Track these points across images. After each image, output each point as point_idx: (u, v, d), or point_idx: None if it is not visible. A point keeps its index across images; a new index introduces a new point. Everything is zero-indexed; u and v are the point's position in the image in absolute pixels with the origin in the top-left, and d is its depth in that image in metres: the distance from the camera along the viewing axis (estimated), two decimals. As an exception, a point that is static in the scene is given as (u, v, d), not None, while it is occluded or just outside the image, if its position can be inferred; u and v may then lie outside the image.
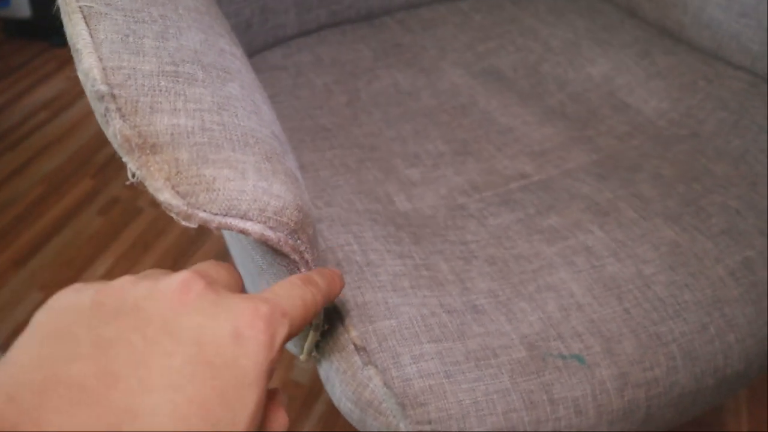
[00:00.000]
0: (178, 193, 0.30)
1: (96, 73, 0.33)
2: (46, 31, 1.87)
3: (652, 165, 0.67)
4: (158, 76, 0.34)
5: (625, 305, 0.52)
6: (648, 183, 0.64)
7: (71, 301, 0.25)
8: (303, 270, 0.36)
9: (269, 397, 0.28)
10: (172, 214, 0.30)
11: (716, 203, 0.61)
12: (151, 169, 0.30)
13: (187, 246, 1.20)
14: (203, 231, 1.21)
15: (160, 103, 0.32)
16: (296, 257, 0.35)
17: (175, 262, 1.17)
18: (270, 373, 0.26)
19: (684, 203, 0.61)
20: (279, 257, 0.36)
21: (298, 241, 0.34)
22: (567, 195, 0.62)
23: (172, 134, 0.31)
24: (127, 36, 0.36)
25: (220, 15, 0.48)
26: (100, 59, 0.34)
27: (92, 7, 0.37)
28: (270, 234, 0.32)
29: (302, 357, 0.49)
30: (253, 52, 0.81)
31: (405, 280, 0.51)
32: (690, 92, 0.75)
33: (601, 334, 0.51)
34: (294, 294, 0.30)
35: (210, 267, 0.29)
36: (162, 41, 0.37)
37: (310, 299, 0.31)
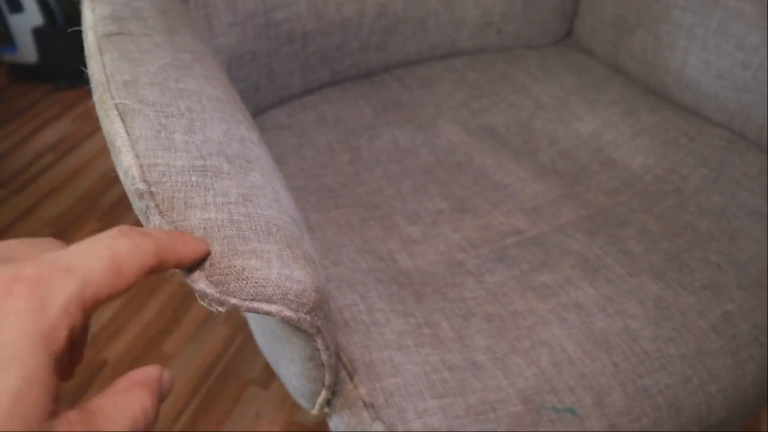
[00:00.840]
0: (211, 282, 0.34)
1: (135, 171, 0.37)
2: (52, 74, 1.92)
3: (638, 221, 0.71)
4: (189, 171, 0.38)
5: (613, 359, 0.56)
6: (635, 239, 0.68)
7: None
8: (319, 340, 0.40)
9: (128, 380, 0.27)
10: (205, 302, 0.34)
11: (698, 258, 0.66)
12: (188, 262, 0.34)
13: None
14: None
15: (193, 198, 0.37)
16: (313, 331, 0.39)
17: (179, 306, 1.20)
18: (55, 341, 0.23)
19: (668, 258, 0.65)
20: (296, 330, 0.39)
21: (315, 318, 0.38)
22: (558, 251, 0.67)
23: (204, 228, 0.35)
24: (159, 132, 0.40)
25: (237, 99, 0.52)
26: (137, 157, 0.38)
27: (126, 104, 0.42)
28: (291, 314, 0.36)
29: (314, 412, 0.52)
30: (260, 111, 0.85)
31: (409, 339, 0.55)
32: (673, 149, 0.79)
33: (591, 387, 0.54)
34: (95, 247, 0.26)
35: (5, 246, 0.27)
36: (190, 135, 0.41)
37: (124, 249, 0.27)
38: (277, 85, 0.84)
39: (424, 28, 0.91)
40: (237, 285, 0.34)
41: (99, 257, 0.26)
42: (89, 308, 0.25)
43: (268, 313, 0.35)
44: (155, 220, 0.35)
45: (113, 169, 0.40)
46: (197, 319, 1.18)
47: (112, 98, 0.42)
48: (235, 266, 0.34)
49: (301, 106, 0.87)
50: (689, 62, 0.82)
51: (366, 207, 0.71)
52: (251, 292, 0.34)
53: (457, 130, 0.83)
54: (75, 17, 1.87)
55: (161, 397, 0.28)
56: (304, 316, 0.37)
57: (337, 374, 0.52)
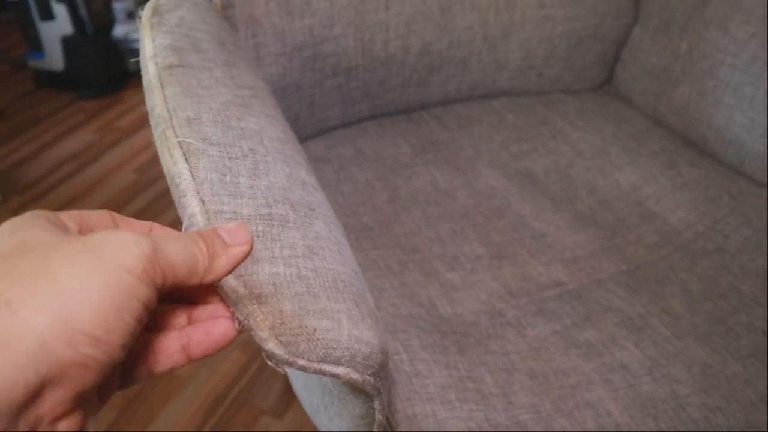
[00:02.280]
0: (281, 342, 0.32)
1: (200, 218, 0.36)
2: (77, 83, 1.93)
3: (680, 279, 0.70)
4: (255, 220, 0.37)
5: (660, 426, 0.54)
6: (677, 298, 0.67)
7: None
8: (377, 401, 0.39)
9: None
10: (272, 362, 0.32)
11: (743, 323, 0.64)
12: (257, 319, 0.32)
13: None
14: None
15: (260, 250, 0.35)
16: (374, 392, 0.37)
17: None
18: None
19: (713, 322, 0.64)
20: (355, 389, 0.38)
21: (378, 379, 0.37)
22: (600, 307, 0.65)
23: (274, 284, 0.34)
24: (224, 175, 0.39)
25: (295, 138, 0.51)
26: (203, 202, 0.37)
27: (191, 143, 0.41)
28: (357, 377, 0.35)
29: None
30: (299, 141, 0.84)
31: (452, 393, 0.54)
32: (715, 206, 0.78)
33: (637, 455, 0.53)
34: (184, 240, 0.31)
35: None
36: (255, 179, 0.40)
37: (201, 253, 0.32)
38: (316, 117, 0.83)
39: (466, 67, 0.90)
40: (307, 346, 0.33)
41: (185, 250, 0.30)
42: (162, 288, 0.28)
43: (334, 376, 0.34)
44: (223, 272, 0.34)
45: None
46: (212, 344, 1.16)
47: (176, 136, 0.41)
48: (306, 327, 0.33)
49: (338, 139, 0.86)
50: (735, 119, 0.81)
51: (404, 249, 0.70)
52: (321, 354, 0.33)
53: (496, 174, 0.82)
54: (104, 29, 1.88)
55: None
56: (368, 378, 0.36)
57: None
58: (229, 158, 0.41)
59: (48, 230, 0.28)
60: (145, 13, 0.55)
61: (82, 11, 1.81)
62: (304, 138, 0.85)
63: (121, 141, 1.77)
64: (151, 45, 0.50)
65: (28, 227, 0.28)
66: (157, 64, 0.48)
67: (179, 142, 0.41)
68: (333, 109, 0.84)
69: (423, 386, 0.53)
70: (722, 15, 0.82)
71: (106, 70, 1.91)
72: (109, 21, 1.91)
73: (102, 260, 0.26)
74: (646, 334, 0.62)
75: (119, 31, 1.96)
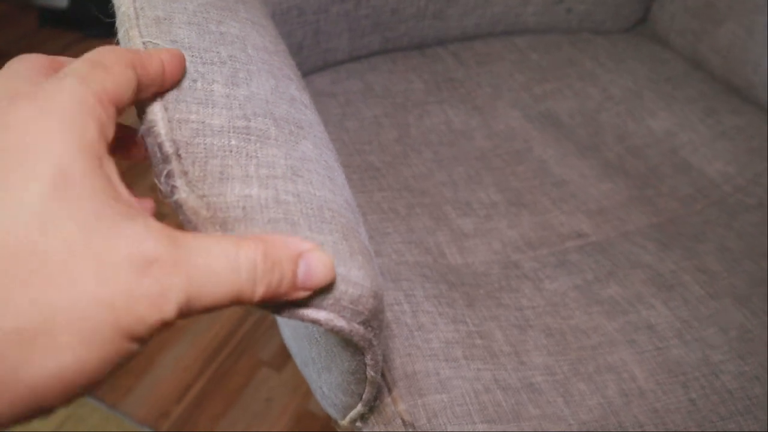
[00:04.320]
0: (249, 278, 0.26)
1: (160, 127, 0.30)
2: (81, 21, 1.85)
3: (717, 235, 0.63)
4: (229, 132, 0.31)
5: (691, 395, 0.48)
6: (713, 255, 0.60)
7: None
8: (369, 355, 0.33)
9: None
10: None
11: (787, 285, 0.57)
12: (221, 247, 0.26)
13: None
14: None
15: (231, 167, 0.29)
16: (364, 344, 0.31)
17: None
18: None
19: (753, 283, 0.57)
20: (344, 341, 0.32)
21: (369, 329, 0.31)
22: (627, 262, 0.59)
23: (244, 208, 0.28)
24: (195, 81, 0.33)
25: (287, 53, 0.44)
26: (165, 109, 0.31)
27: (157, 44, 0.34)
28: (342, 324, 0.29)
29: (343, 424, 0.45)
30: (302, 74, 0.77)
31: (458, 349, 0.48)
32: (758, 158, 0.71)
33: (665, 425, 0.47)
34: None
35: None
36: (232, 88, 0.34)
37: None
38: (322, 47, 0.76)
39: (488, -1, 0.82)
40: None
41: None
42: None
43: (314, 322, 0.28)
44: (181, 192, 0.28)
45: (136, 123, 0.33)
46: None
47: (141, 36, 0.35)
48: (280, 260, 0.27)
49: (346, 74, 0.79)
50: (785, 62, 0.73)
51: (413, 192, 0.63)
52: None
53: (517, 115, 0.75)
54: (110, -36, 1.80)
55: None
56: (357, 327, 0.30)
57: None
58: (203, 63, 0.35)
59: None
60: None
61: (87, -56, 1.73)
62: (308, 71, 0.78)
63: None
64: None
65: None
66: (127, -42, 0.41)
67: (144, 43, 0.34)
68: (340, 39, 0.76)
69: (426, 341, 0.48)
70: (778, -57, 0.73)
71: (110, 8, 1.82)
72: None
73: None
74: (678, 293, 0.56)
75: (126, -35, 1.86)
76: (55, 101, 0.24)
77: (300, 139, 0.34)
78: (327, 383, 0.42)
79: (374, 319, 0.31)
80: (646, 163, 0.72)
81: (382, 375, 0.45)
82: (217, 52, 0.36)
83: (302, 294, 0.26)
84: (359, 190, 0.62)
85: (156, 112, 0.30)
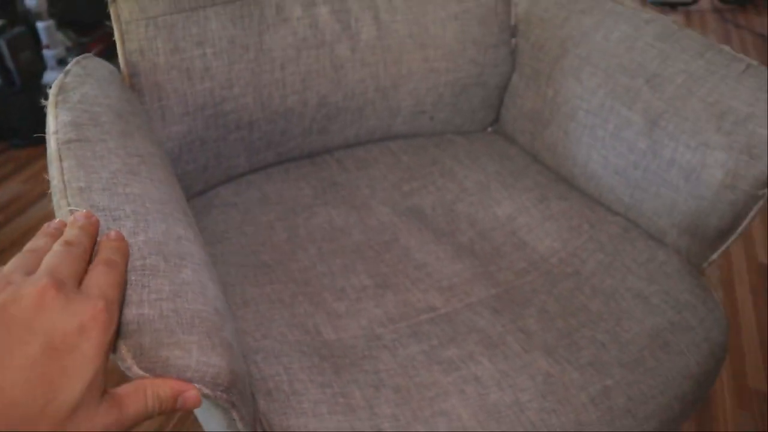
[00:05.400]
0: (142, 369, 0.41)
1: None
2: (7, 132, 1.95)
3: (540, 300, 0.80)
4: (130, 272, 0.46)
5: (502, 427, 0.65)
6: (534, 317, 0.77)
7: None
8: (234, 413, 0.48)
9: (135, 387, 0.41)
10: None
11: (587, 337, 0.75)
12: (123, 352, 0.41)
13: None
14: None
15: (131, 296, 0.44)
16: (227, 406, 0.46)
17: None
18: (110, 347, 0.40)
19: (560, 337, 0.75)
20: (215, 404, 0.47)
21: (231, 395, 0.46)
22: (466, 328, 0.75)
23: (138, 323, 0.43)
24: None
25: (179, 198, 0.60)
26: (86, 257, 0.46)
27: (79, 210, 0.50)
28: (208, 392, 0.44)
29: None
30: (208, 187, 0.94)
31: (323, 407, 0.63)
32: (576, 234, 0.90)
33: (482, 453, 0.62)
34: (110, 281, 0.42)
35: (60, 263, 0.41)
36: (134, 237, 0.50)
37: (119, 278, 0.44)
38: (224, 166, 0.92)
39: (362, 115, 1.01)
40: (163, 371, 0.42)
41: (115, 288, 0.43)
42: None
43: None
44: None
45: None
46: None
47: (68, 204, 0.50)
48: (161, 356, 0.42)
49: (246, 185, 0.95)
50: (592, 157, 0.94)
51: (298, 283, 0.79)
52: (175, 376, 0.42)
53: (387, 211, 0.93)
54: (31, 80, 1.92)
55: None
56: (220, 393, 0.45)
57: (257, 439, 0.59)
58: (113, 220, 0.50)
59: None
60: (52, 91, 0.64)
61: (9, 62, 1.85)
62: (214, 184, 0.94)
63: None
64: (54, 122, 0.60)
65: None
66: (57, 139, 0.57)
67: (70, 210, 0.50)
68: (239, 158, 0.93)
69: (298, 402, 0.63)
70: (576, 66, 0.94)
71: (35, 119, 1.92)
72: (38, 69, 1.95)
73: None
74: (500, 350, 0.72)
75: (50, 77, 1.99)
76: None
77: (182, 268, 0.50)
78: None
79: (233, 387, 0.46)
80: (491, 244, 0.90)
81: (264, 430, 0.59)
82: (124, 210, 0.52)
83: (179, 412, 0.44)
84: (253, 284, 0.78)
85: (79, 260, 0.46)
